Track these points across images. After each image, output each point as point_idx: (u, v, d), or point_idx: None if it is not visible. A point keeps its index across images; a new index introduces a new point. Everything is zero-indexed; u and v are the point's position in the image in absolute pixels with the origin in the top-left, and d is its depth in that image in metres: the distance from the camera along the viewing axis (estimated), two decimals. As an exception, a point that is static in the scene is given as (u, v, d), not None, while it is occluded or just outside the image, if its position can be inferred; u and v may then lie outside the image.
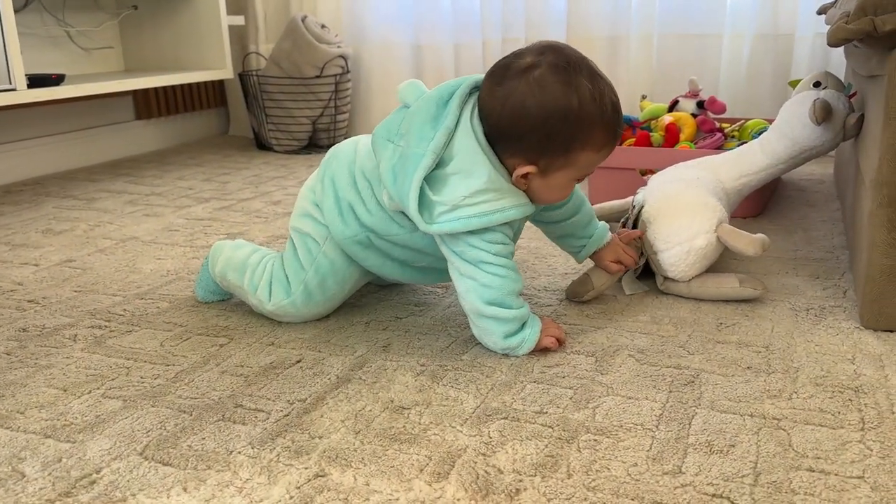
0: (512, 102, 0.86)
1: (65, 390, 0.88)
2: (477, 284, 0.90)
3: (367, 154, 0.99)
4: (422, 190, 0.87)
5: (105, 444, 0.75)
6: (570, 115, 0.85)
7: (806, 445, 0.72)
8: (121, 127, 2.45)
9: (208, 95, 2.74)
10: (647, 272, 1.15)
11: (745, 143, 1.62)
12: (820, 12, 1.66)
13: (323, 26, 2.39)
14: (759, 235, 1.06)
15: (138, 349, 0.98)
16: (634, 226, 1.17)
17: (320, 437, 0.76)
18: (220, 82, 2.78)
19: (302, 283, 1.01)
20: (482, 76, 0.91)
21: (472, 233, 0.88)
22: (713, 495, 0.65)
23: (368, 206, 0.97)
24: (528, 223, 1.06)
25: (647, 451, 0.72)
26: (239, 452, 0.73)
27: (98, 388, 0.88)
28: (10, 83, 1.70)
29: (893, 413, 0.78)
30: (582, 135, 0.86)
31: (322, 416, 0.80)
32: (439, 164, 0.88)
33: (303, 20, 2.33)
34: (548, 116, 0.85)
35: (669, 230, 1.08)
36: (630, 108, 2.26)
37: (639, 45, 2.28)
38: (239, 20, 2.45)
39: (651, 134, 1.71)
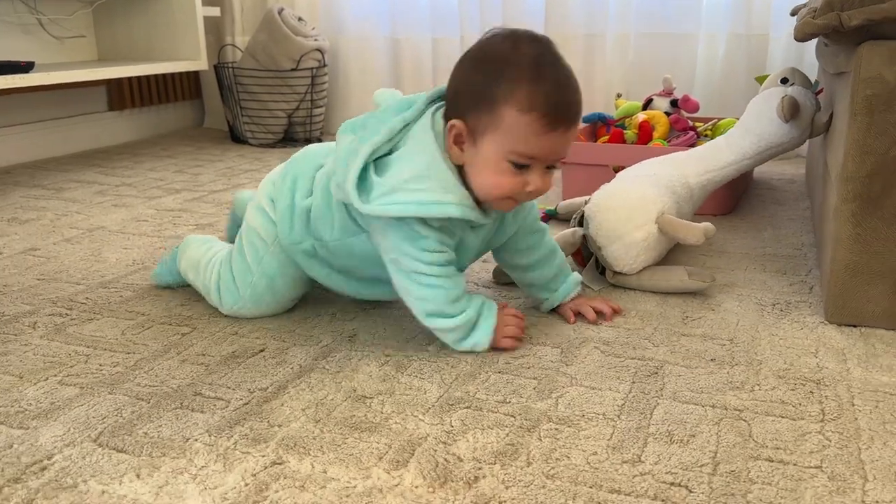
0: (460, 60, 0.86)
1: (20, 377, 0.86)
2: (412, 298, 0.89)
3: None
4: (367, 172, 0.84)
5: (58, 431, 0.74)
6: (500, 60, 0.82)
7: (766, 436, 0.73)
8: (94, 117, 2.41)
9: (183, 87, 2.71)
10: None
11: (718, 141, 1.64)
12: (793, 13, 1.67)
13: (300, 19, 2.37)
14: (702, 224, 1.07)
15: (99, 337, 0.96)
16: (581, 223, 1.17)
17: (279, 426, 0.75)
18: (196, 74, 2.75)
19: (249, 285, 0.99)
20: None
21: (407, 238, 0.85)
22: (671, 484, 0.65)
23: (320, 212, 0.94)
24: (496, 273, 1.09)
25: (608, 440, 0.72)
26: (195, 440, 0.72)
27: (55, 376, 0.86)
28: (-23, 69, 1.67)
29: (853, 405, 0.78)
30: (507, 84, 0.81)
31: (283, 405, 0.79)
32: (392, 150, 0.86)
33: (279, 12, 2.32)
34: (480, 61, 0.84)
35: (609, 225, 1.08)
36: (605, 106, 2.27)
37: (615, 43, 2.29)
38: (215, 11, 2.42)
39: (625, 131, 1.72)
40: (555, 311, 1.02)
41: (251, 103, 2.38)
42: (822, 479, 0.66)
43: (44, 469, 0.68)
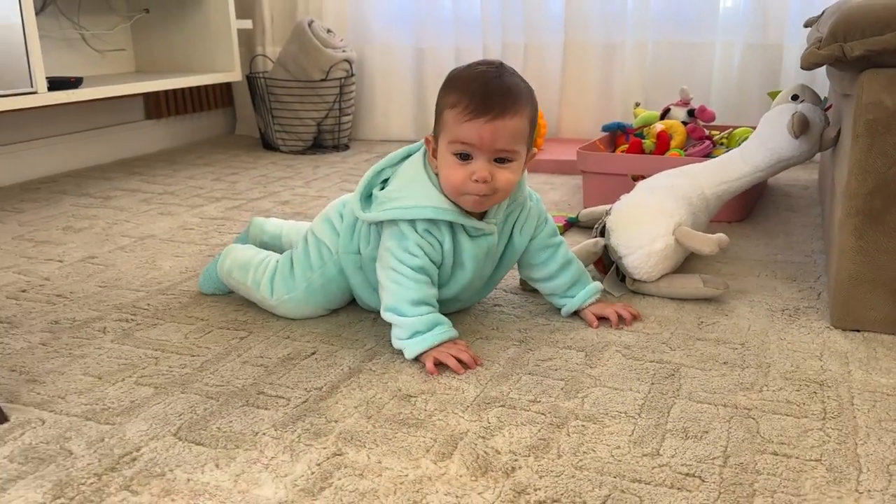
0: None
1: (100, 378, 0.96)
2: (382, 290, 1.01)
3: None
4: (372, 189, 1.03)
5: (142, 426, 0.84)
6: (452, 78, 0.98)
7: (772, 432, 0.81)
8: (132, 126, 2.52)
9: (216, 96, 2.81)
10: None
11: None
12: (806, 25, 1.74)
13: (329, 31, 2.47)
14: (716, 235, 1.15)
15: (164, 341, 1.06)
16: (602, 234, 1.25)
17: (336, 421, 0.84)
18: (228, 83, 2.86)
19: (307, 280, 1.10)
20: None
21: (394, 237, 0.99)
22: (686, 474, 0.74)
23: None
24: (522, 280, 1.19)
25: (630, 435, 0.80)
26: (264, 434, 0.82)
27: (130, 377, 0.96)
28: (32, 86, 1.78)
29: (853, 405, 0.86)
30: (446, 92, 0.96)
31: (337, 403, 0.88)
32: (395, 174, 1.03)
33: (309, 24, 2.41)
34: (446, 80, 0.99)
35: (630, 236, 1.17)
36: (624, 114, 2.35)
37: (633, 51, 2.36)
38: (247, 24, 2.52)
39: (643, 141, 1.79)
40: (577, 315, 1.11)
41: (282, 112, 2.48)
42: (820, 470, 0.74)
43: (134, 460, 0.78)
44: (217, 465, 0.76)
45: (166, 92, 2.58)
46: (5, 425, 0.85)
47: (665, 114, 1.91)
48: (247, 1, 2.68)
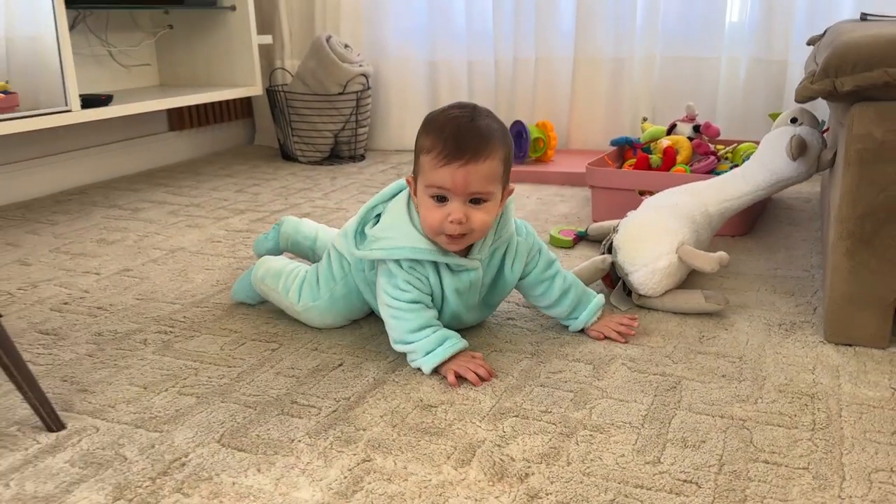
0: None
1: (145, 388, 1.04)
2: (386, 326, 1.09)
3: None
4: (366, 224, 1.10)
5: (188, 434, 0.92)
6: (427, 122, 1.04)
7: (764, 442, 0.88)
8: (156, 138, 2.61)
9: (236, 108, 2.90)
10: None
11: (737, 165, 1.78)
12: (809, 43, 1.81)
13: (346, 46, 2.55)
14: (717, 254, 1.22)
15: (202, 352, 1.15)
16: (609, 251, 1.32)
17: (364, 430, 0.92)
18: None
19: (330, 290, 1.18)
20: None
21: (385, 274, 1.07)
22: (684, 481, 0.81)
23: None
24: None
25: (633, 444, 0.88)
26: (299, 441, 0.90)
27: (174, 387, 1.04)
28: (66, 105, 1.87)
29: (840, 416, 0.94)
30: (422, 137, 1.03)
31: (364, 412, 0.96)
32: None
33: (327, 40, 2.49)
34: (422, 125, 1.05)
35: (635, 254, 1.24)
36: (632, 128, 2.42)
37: (641, 65, 2.43)
38: (267, 39, 2.61)
39: (650, 156, 1.86)
40: (583, 331, 1.18)
41: (301, 124, 2.56)
42: (807, 478, 0.82)
43: (183, 465, 0.86)
44: (259, 470, 0.84)
45: (189, 105, 2.67)
46: (63, 432, 0.94)
47: (671, 129, 1.98)
48: (266, 16, 2.77)
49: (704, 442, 0.88)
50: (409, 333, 1.06)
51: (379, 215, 1.11)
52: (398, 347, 1.08)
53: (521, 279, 1.16)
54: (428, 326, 1.07)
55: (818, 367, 1.06)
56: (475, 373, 1.03)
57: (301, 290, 1.21)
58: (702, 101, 2.35)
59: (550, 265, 1.17)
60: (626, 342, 1.15)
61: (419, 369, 1.06)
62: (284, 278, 1.24)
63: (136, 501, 0.79)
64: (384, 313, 1.09)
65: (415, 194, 1.06)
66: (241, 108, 2.93)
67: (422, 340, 1.05)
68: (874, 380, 1.02)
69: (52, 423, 0.94)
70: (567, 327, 1.20)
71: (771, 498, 0.78)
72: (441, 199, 1.02)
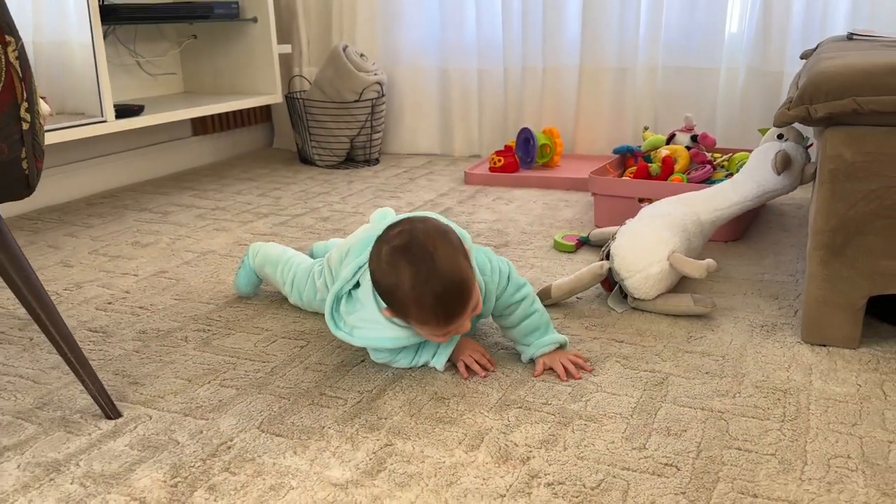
0: (369, 266, 1.09)
1: (189, 381, 1.17)
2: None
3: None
4: (339, 303, 1.14)
5: (232, 421, 1.05)
6: (390, 288, 1.05)
7: (738, 432, 1.00)
8: (180, 142, 2.75)
9: (256, 113, 3.03)
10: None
11: (732, 173, 1.89)
12: (802, 57, 1.91)
13: (362, 55, 2.67)
14: (705, 261, 1.33)
15: (238, 349, 1.27)
16: (607, 257, 1.43)
17: (385, 418, 1.04)
18: (266, 100, 3.07)
19: (319, 298, 1.32)
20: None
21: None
22: (666, 464, 0.93)
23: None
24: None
25: (622, 433, 1.00)
26: (329, 427, 1.02)
27: (215, 380, 1.17)
28: (102, 115, 2.00)
29: (809, 410, 1.05)
30: (402, 307, 1.05)
31: (385, 403, 1.09)
32: (357, 284, 1.14)
33: (344, 49, 2.61)
34: (378, 286, 1.07)
35: (631, 261, 1.35)
36: (634, 136, 2.53)
37: (644, 75, 2.54)
38: (286, 48, 2.73)
39: (650, 165, 1.98)
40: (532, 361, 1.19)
41: (318, 130, 2.69)
42: (773, 463, 0.93)
43: (229, 448, 0.99)
44: (295, 452, 0.97)
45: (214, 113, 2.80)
46: (120, 420, 1.07)
47: (671, 139, 2.09)
48: (285, 25, 2.89)
49: (685, 431, 1.00)
50: (399, 359, 1.17)
51: (350, 293, 1.15)
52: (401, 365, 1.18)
53: None
54: (410, 352, 1.17)
55: (793, 366, 1.18)
56: (479, 363, 1.16)
57: (293, 286, 1.38)
58: (701, 110, 2.46)
59: (518, 290, 1.19)
60: (566, 381, 1.14)
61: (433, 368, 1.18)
62: (281, 268, 1.41)
63: (191, 479, 0.92)
64: (373, 356, 1.18)
65: (394, 314, 1.09)
66: (260, 113, 3.06)
67: (412, 355, 1.17)
68: (842, 377, 1.14)
69: (110, 411, 1.07)
70: (561, 332, 1.31)
71: (740, 480, 0.90)
72: None
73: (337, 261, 1.25)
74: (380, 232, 1.11)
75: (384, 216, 1.23)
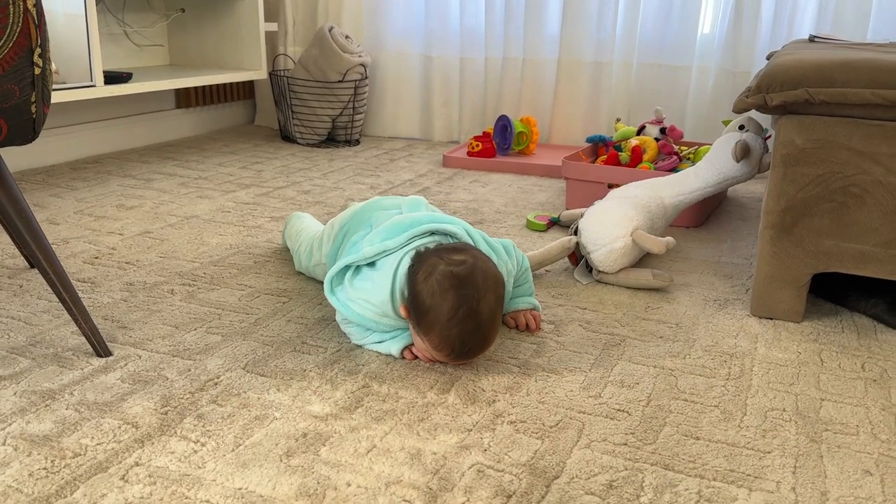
0: (415, 270, 1.09)
1: (176, 327, 1.23)
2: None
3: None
4: (348, 270, 1.16)
5: (218, 362, 1.11)
6: (428, 301, 1.05)
7: (686, 386, 1.09)
8: (164, 114, 2.78)
9: (239, 89, 3.08)
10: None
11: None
12: (768, 58, 2.02)
13: (347, 37, 2.73)
14: (665, 238, 1.43)
15: (223, 302, 1.34)
16: (575, 232, 1.52)
17: (363, 365, 1.12)
18: (250, 77, 3.12)
19: (316, 262, 1.40)
20: (448, 225, 1.17)
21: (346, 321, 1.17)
22: (618, 410, 1.02)
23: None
24: None
25: (581, 383, 1.09)
26: (310, 371, 1.10)
27: (201, 327, 1.23)
28: (91, 80, 2.04)
29: (752, 371, 1.15)
30: (427, 322, 1.06)
31: (363, 353, 1.16)
32: (372, 263, 1.15)
33: (330, 30, 2.67)
34: (416, 295, 1.07)
35: (596, 236, 1.44)
36: (608, 126, 2.63)
37: (619, 70, 2.64)
38: (273, 26, 2.78)
39: (620, 154, 2.07)
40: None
41: (301, 108, 2.75)
42: (716, 413, 1.03)
43: (216, 384, 1.05)
44: (278, 390, 1.04)
45: (199, 85, 2.84)
46: (111, 358, 1.13)
47: (641, 130, 2.19)
48: (272, 5, 2.94)
49: (638, 384, 1.09)
50: (367, 333, 1.16)
51: (359, 266, 1.16)
52: (358, 343, 1.17)
53: None
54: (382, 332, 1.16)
55: (741, 334, 1.28)
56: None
57: (300, 257, 1.43)
58: (673, 105, 2.57)
59: (521, 263, 1.26)
60: (527, 332, 1.25)
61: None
62: (295, 240, 1.49)
63: (180, 408, 0.99)
64: (342, 326, 1.19)
65: (406, 313, 1.10)
66: (243, 90, 3.11)
67: (372, 338, 1.15)
68: (785, 345, 1.24)
69: (102, 350, 1.13)
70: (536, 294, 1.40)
71: (685, 425, 0.99)
72: None
73: (340, 225, 1.31)
74: (407, 225, 1.15)
75: (416, 204, 1.26)
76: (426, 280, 1.06)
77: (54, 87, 1.97)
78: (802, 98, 1.22)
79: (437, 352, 1.08)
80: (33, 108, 0.98)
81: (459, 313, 1.04)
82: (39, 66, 0.94)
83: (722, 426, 0.99)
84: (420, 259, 1.09)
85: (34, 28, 0.91)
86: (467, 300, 1.04)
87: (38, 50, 0.93)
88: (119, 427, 0.94)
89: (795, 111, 1.25)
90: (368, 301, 1.12)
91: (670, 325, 1.30)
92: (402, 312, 1.10)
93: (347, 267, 1.16)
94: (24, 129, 1.01)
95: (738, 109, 1.28)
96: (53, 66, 0.99)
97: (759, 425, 1.00)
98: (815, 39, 1.84)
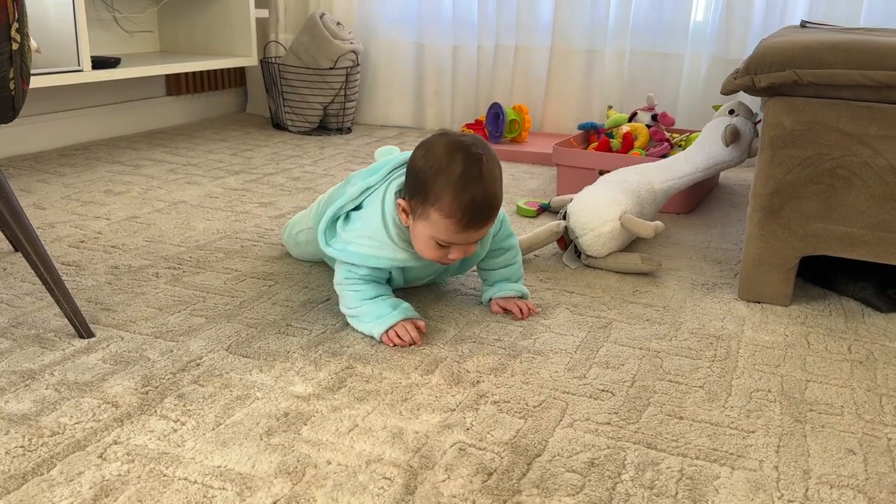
0: (416, 148, 1.10)
1: (160, 310, 1.22)
2: (340, 298, 1.17)
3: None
4: (337, 220, 1.15)
5: (201, 343, 1.11)
6: (435, 169, 1.04)
7: (671, 368, 1.09)
8: (154, 101, 2.77)
9: (230, 77, 3.06)
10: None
11: (687, 152, 1.98)
12: (759, 45, 2.01)
13: (338, 24, 2.71)
14: (653, 223, 1.42)
15: (208, 285, 1.33)
16: (565, 217, 1.52)
17: (348, 346, 1.11)
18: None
19: (304, 230, 1.41)
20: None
21: (343, 266, 1.15)
22: (602, 390, 1.01)
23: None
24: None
25: (566, 365, 1.08)
26: (294, 352, 1.09)
27: (185, 309, 1.22)
28: (79, 65, 2.02)
29: (738, 353, 1.14)
30: (436, 191, 1.03)
31: (348, 335, 1.15)
32: (358, 207, 1.15)
33: (321, 17, 2.65)
34: (423, 164, 1.06)
35: (585, 220, 1.44)
36: (601, 114, 2.62)
37: (612, 58, 2.63)
38: (264, 13, 2.76)
39: (611, 140, 2.07)
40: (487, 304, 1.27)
41: (292, 96, 2.73)
42: (700, 394, 1.02)
43: (198, 365, 1.05)
44: (261, 370, 1.03)
45: (186, 72, 2.82)
46: (93, 339, 1.12)
47: (632, 117, 2.18)
48: (263, -9, 2.92)
49: (623, 365, 1.09)
50: (362, 301, 1.14)
51: (348, 214, 1.15)
52: (347, 312, 1.16)
53: None
54: (380, 296, 1.15)
55: (728, 317, 1.27)
56: (409, 335, 1.12)
57: (290, 231, 1.45)
58: (665, 93, 2.56)
59: (508, 237, 1.26)
60: (521, 318, 1.23)
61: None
62: (287, 231, 1.47)
63: (161, 388, 0.98)
64: (340, 288, 1.16)
65: (405, 215, 1.10)
66: (234, 78, 3.09)
67: (372, 304, 1.13)
68: (772, 328, 1.23)
69: (84, 331, 1.12)
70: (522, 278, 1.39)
71: (669, 405, 0.99)
72: (444, 244, 1.09)
73: (327, 194, 1.32)
74: (385, 163, 1.16)
75: (389, 152, 1.24)
76: (427, 156, 1.06)
77: (41, 70, 1.95)
78: (791, 79, 1.21)
79: (447, 224, 1.04)
80: (12, 85, 0.97)
81: (470, 175, 1.03)
82: (17, 42, 0.93)
83: (706, 406, 0.99)
84: (413, 157, 1.09)
85: (11, 2, 0.90)
86: (476, 163, 1.04)
87: (16, 24, 0.91)
88: (98, 406, 0.93)
89: (784, 93, 1.24)
90: (364, 235, 1.12)
91: (657, 309, 1.30)
92: (401, 216, 1.10)
93: (338, 218, 1.16)
94: (4, 107, 0.99)
95: (727, 91, 1.27)
96: (34, 44, 0.98)
97: (743, 406, 1.00)
98: (807, 25, 1.83)
